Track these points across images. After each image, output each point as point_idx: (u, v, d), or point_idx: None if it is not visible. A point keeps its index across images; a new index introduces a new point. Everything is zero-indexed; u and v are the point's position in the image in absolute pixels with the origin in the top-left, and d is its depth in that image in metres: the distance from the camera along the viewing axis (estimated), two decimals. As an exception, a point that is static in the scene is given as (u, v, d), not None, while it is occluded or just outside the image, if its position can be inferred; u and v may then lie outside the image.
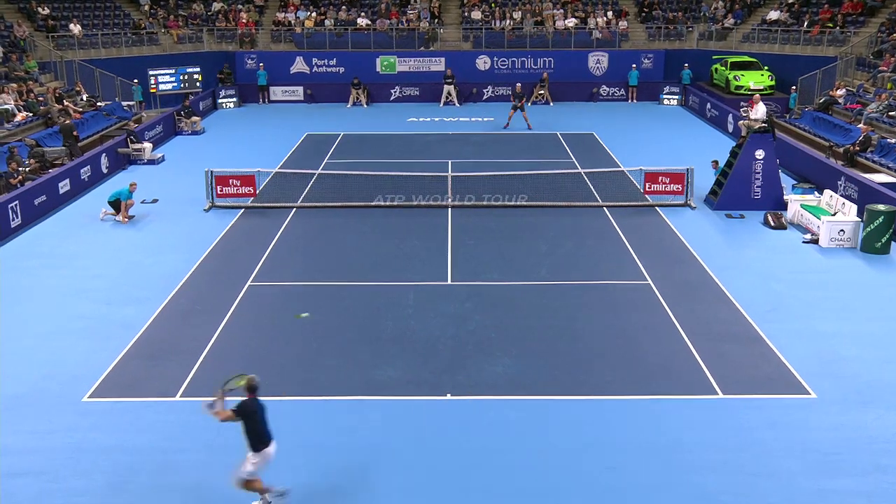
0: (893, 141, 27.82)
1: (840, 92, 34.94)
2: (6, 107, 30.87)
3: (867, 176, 24.48)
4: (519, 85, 38.15)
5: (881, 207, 20.47)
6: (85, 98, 36.02)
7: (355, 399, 13.73)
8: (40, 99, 33.34)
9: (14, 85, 32.84)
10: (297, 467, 11.82)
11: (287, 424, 12.92)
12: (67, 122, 30.77)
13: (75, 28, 41.45)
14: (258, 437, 10.48)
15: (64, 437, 12.61)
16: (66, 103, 33.58)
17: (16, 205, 22.49)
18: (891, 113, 30.37)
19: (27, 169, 25.97)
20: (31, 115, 31.73)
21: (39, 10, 41.37)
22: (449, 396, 13.81)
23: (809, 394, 13.85)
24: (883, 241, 20.40)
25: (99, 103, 36.21)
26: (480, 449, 12.30)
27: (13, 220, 22.24)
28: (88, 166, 27.33)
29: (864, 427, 12.86)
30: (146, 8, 46.20)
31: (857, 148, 28.30)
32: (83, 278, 19.05)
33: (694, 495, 11.18)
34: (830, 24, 41.02)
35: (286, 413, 13.26)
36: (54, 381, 14.25)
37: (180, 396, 13.82)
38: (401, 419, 13.14)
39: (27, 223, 22.79)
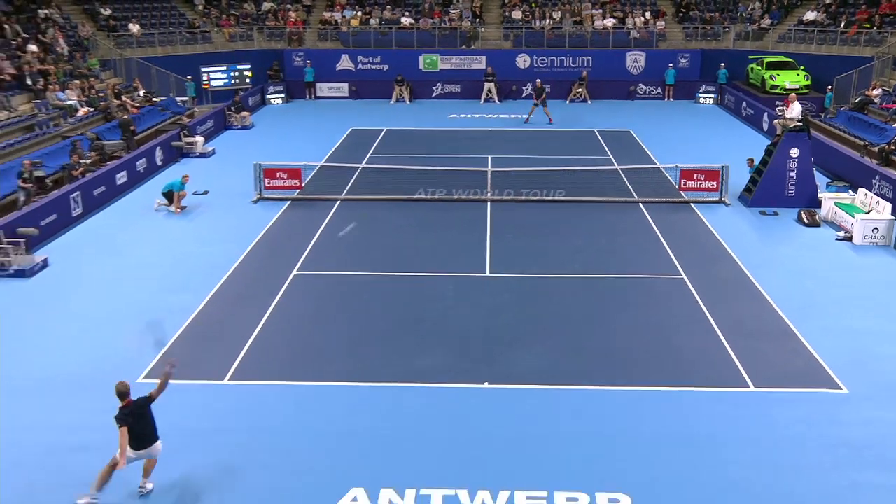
0: (928, 140, 27.34)
1: (876, 92, 34.45)
2: (70, 102, 31.40)
3: (901, 175, 24.07)
4: (539, 81, 38.42)
5: (915, 206, 20.22)
6: (142, 94, 36.45)
7: (397, 385, 13.78)
8: (101, 95, 33.86)
9: (77, 82, 33.41)
10: (339, 450, 11.93)
11: (329, 409, 13.10)
12: (125, 116, 31.15)
13: (134, 27, 41.98)
14: (139, 438, 10.61)
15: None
16: (124, 99, 34.04)
17: (77, 195, 22.84)
18: (927, 112, 29.91)
19: (88, 161, 26.31)
20: (92, 110, 32.22)
21: (102, 10, 42.01)
22: (486, 385, 13.81)
23: (841, 389, 13.68)
24: (917, 239, 20.17)
25: (155, 99, 36.66)
26: (517, 436, 12.30)
27: (75, 209, 22.58)
28: (144, 159, 27.64)
29: (894, 423, 12.69)
30: (200, 8, 46.63)
31: (893, 147, 27.91)
32: (138, 266, 19.29)
33: (727, 488, 11.09)
34: (868, 25, 40.38)
35: (329, 398, 13.43)
36: (111, 362, 14.44)
37: (228, 380, 13.96)
38: (440, 406, 13.18)
39: (87, 212, 23.12)
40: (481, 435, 12.33)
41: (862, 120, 32.55)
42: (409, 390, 13.65)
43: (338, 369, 14.39)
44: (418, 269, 19.10)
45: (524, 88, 43.99)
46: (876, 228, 20.70)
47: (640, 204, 24.24)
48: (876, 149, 28.48)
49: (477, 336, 15.61)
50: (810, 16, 43.78)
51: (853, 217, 21.22)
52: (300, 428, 12.53)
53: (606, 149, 31.79)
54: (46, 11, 38.20)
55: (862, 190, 22.99)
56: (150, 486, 10.99)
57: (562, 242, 20.99)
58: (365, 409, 13.07)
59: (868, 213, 21.42)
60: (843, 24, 41.47)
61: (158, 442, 10.80)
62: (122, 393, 10.57)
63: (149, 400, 10.71)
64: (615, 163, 29.00)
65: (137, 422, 10.58)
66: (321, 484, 11.13)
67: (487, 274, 18.88)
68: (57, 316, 16.52)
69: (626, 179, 26.55)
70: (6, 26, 34.60)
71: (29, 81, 31.14)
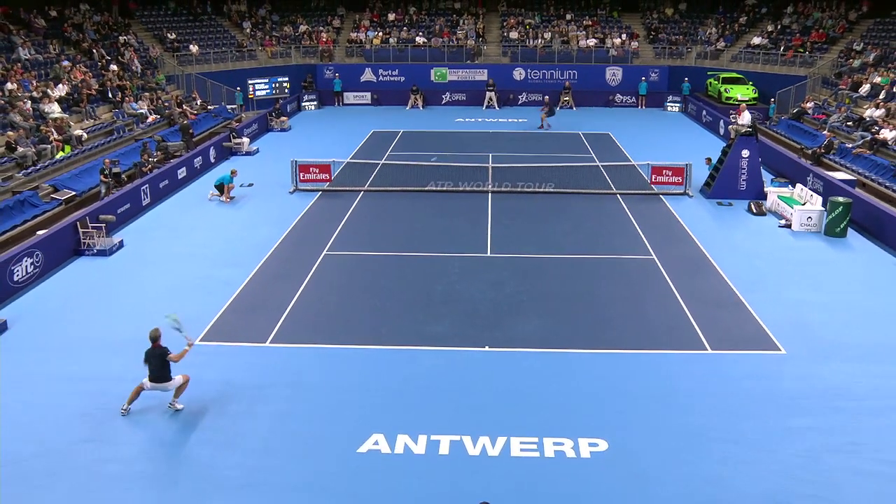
0: (850, 145, 27.73)
1: (809, 104, 34.89)
2: (141, 111, 31.52)
3: (830, 173, 24.29)
4: (546, 97, 38.30)
5: (840, 199, 20.27)
6: (199, 103, 36.37)
7: (412, 349, 13.76)
8: (166, 104, 33.83)
9: (147, 94, 33.52)
10: (362, 402, 11.94)
11: (354, 368, 13.10)
12: (185, 122, 31.09)
13: (194, 48, 41.84)
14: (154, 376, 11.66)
15: (182, 371, 12.81)
16: (184, 107, 34.00)
17: (146, 188, 22.86)
18: (848, 122, 30.44)
19: (155, 160, 26.40)
20: (158, 117, 32.29)
21: (168, 35, 42.04)
22: (487, 348, 13.79)
23: (781, 350, 13.68)
24: (842, 226, 20.14)
25: (209, 107, 36.57)
26: (513, 391, 12.28)
27: (144, 199, 22.59)
28: (200, 157, 27.59)
29: (823, 377, 12.73)
30: (247, 31, 46.44)
31: (822, 150, 28.28)
32: (196, 246, 19.31)
33: (688, 433, 11.10)
34: (801, 49, 41.12)
35: (354, 358, 13.43)
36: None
37: (269, 343, 13.97)
38: (448, 366, 13.15)
39: (154, 202, 23.11)
40: (482, 390, 12.31)
41: (799, 127, 32.95)
42: (421, 352, 13.63)
43: (361, 334, 14.37)
44: (429, 250, 19.05)
45: (520, 97, 43.91)
46: (810, 217, 20.68)
47: (618, 195, 24.11)
48: (810, 151, 28.75)
49: (479, 307, 15.56)
50: (756, 40, 44.11)
51: (792, 208, 21.17)
52: (330, 383, 12.53)
53: (589, 148, 31.62)
54: (125, 37, 38.48)
55: (799, 185, 23.05)
56: (179, 406, 11.71)
57: (552, 227, 20.89)
58: (384, 368, 13.06)
59: (804, 204, 21.39)
60: (782, 48, 42.18)
61: (171, 381, 11.59)
62: (154, 338, 11.52)
63: (164, 353, 11.47)
64: (597, 160, 28.81)
65: (152, 363, 11.49)
66: (348, 430, 11.14)
67: (488, 254, 18.82)
68: (131, 288, 16.55)
69: (605, 174, 26.37)
70: (94, 51, 34.85)
71: (110, 95, 31.31)
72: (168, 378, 11.54)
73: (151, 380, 11.53)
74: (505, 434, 11.01)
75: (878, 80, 32.37)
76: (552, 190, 24.39)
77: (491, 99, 42.96)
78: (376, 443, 10.84)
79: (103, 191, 22.77)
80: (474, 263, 18.16)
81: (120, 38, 38.02)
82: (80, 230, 18.66)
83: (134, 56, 36.81)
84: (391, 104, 43.67)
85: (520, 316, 15.13)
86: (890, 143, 26.33)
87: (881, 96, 30.91)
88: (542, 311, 15.35)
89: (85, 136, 26.84)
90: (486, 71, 44.30)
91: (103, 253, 18.54)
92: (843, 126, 30.20)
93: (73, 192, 22.55)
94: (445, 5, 50.77)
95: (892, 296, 16.26)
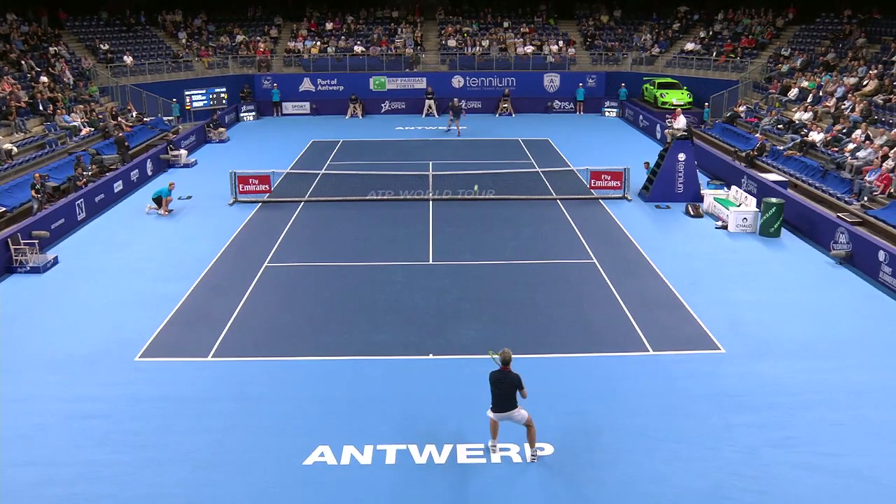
0: (781, 148, 28.55)
1: (741, 108, 35.86)
2: (74, 124, 30.72)
3: (763, 175, 24.86)
4: (455, 99, 39.15)
5: (773, 200, 20.80)
6: (134, 115, 35.64)
7: (356, 359, 13.70)
8: (100, 116, 33.08)
9: (81, 106, 32.73)
10: (307, 414, 11.85)
11: (298, 380, 12.98)
12: (121, 134, 30.49)
13: (128, 59, 40.97)
14: (496, 402, 10.54)
15: (122, 388, 12.59)
16: (119, 119, 33.33)
17: (81, 202, 22.31)
18: (779, 126, 31.30)
19: (90, 173, 25.84)
20: (93, 129, 31.54)
21: (101, 46, 41.08)
22: (431, 356, 13.79)
23: (720, 349, 14.00)
24: (775, 226, 20.69)
25: (145, 119, 35.87)
26: (458, 398, 12.30)
27: (79, 214, 22.05)
28: (137, 170, 27.03)
29: (760, 374, 13.07)
30: (183, 41, 45.73)
31: (755, 153, 29.01)
32: (134, 260, 18.91)
33: (632, 433, 11.29)
34: (732, 55, 42.30)
35: (298, 370, 13.31)
36: (114, 343, 14.21)
37: (211, 357, 13.77)
38: (392, 375, 13.13)
39: (90, 216, 22.57)
40: (427, 398, 12.31)
41: (732, 131, 33.80)
42: (365, 362, 13.58)
43: (305, 346, 14.27)
44: (371, 260, 18.98)
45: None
46: (745, 218, 21.18)
47: (558, 200, 24.38)
48: (743, 154, 29.46)
49: (422, 315, 15.57)
50: (690, 46, 45.10)
51: (728, 209, 21.65)
52: (274, 396, 12.41)
53: (529, 154, 31.89)
54: (55, 48, 37.46)
55: (734, 187, 23.57)
56: (540, 452, 10.80)
57: (493, 234, 21.00)
58: (329, 379, 12.98)
59: (739, 206, 21.88)
60: (714, 53, 43.29)
61: (516, 410, 10.47)
62: (506, 360, 10.43)
63: (517, 381, 10.42)
64: (536, 166, 29.12)
65: (500, 389, 10.41)
66: (293, 442, 11.05)
67: (430, 262, 18.84)
68: (67, 305, 16.14)
69: (545, 180, 26.68)
70: (22, 62, 33.87)
71: (41, 107, 30.44)
72: (514, 406, 10.45)
73: (496, 410, 10.48)
74: (451, 441, 11.05)
75: (805, 84, 33.47)
76: (493, 197, 24.54)
77: (430, 107, 43.04)
78: (322, 454, 10.76)
79: (35, 206, 22.18)
80: (417, 271, 18.17)
81: (50, 48, 37.04)
82: (12, 247, 18.10)
83: (65, 67, 35.89)
84: (330, 114, 43.41)
85: (463, 323, 15.19)
86: (818, 144, 27.22)
87: (808, 100, 31.95)
88: (485, 318, 15.43)
89: (15, 150, 26.07)
90: (424, 79, 44.40)
91: (37, 270, 18.03)
92: (774, 129, 31.13)
93: (4, 208, 21.91)
94: (383, 14, 50.84)
95: (823, 293, 16.81)
